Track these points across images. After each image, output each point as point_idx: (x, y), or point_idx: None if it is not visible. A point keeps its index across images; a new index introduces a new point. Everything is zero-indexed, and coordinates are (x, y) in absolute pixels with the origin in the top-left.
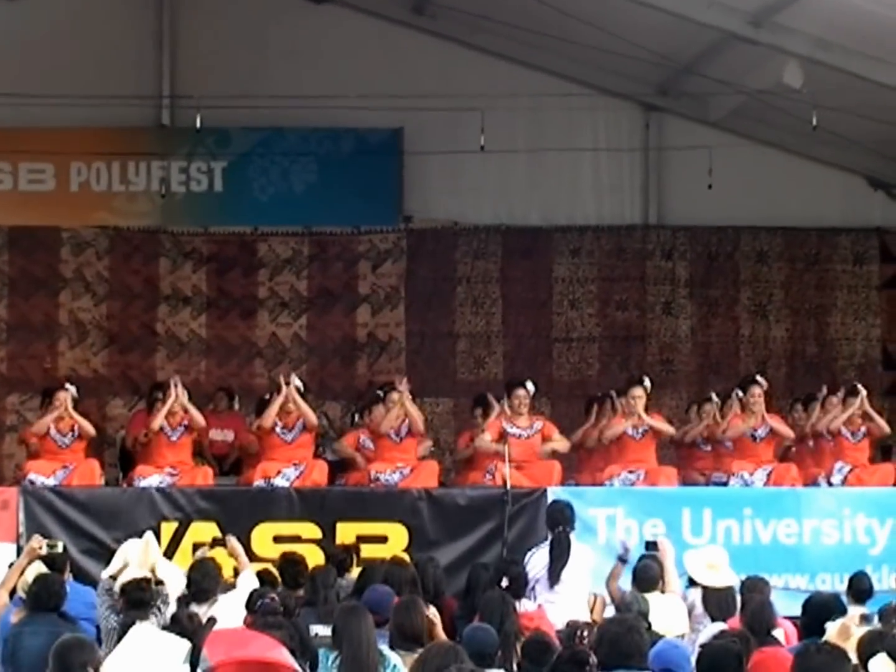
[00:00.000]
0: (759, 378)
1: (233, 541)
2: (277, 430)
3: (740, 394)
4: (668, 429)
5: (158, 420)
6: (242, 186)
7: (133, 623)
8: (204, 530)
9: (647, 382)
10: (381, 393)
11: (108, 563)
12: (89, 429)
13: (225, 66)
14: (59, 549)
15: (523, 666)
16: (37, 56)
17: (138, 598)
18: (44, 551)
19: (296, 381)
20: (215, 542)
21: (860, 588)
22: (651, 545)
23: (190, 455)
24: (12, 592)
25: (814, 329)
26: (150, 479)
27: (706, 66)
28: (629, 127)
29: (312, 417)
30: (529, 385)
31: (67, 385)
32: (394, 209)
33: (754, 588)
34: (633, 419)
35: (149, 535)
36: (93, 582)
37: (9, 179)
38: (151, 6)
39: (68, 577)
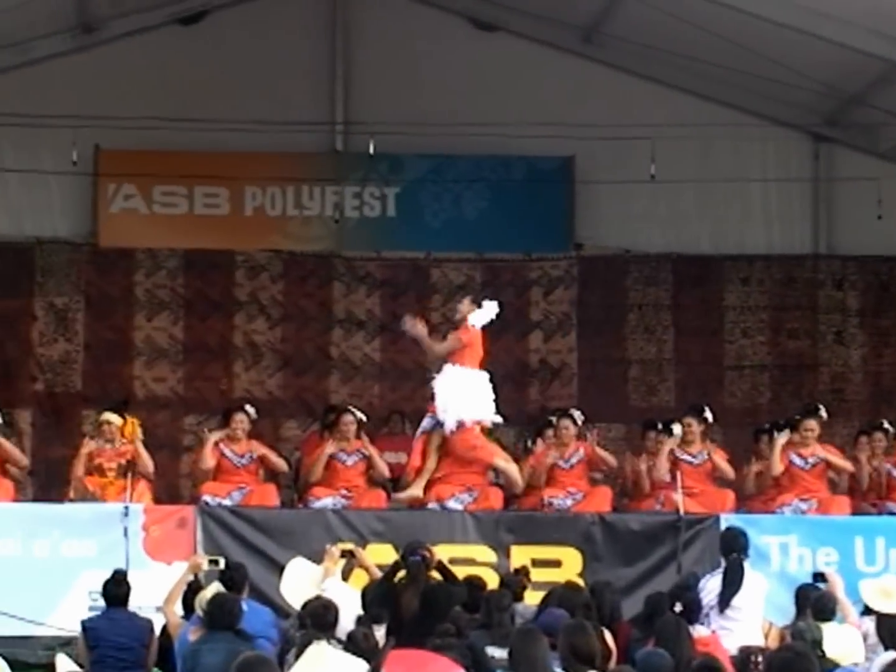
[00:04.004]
0: None
1: (361, 553)
2: None
3: None
4: (846, 465)
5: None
6: (415, 212)
7: (311, 642)
8: (379, 552)
9: (822, 412)
10: (552, 419)
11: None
12: (281, 465)
13: (397, 92)
14: (221, 565)
15: None
16: (212, 81)
17: (320, 618)
18: (205, 567)
19: None
20: (345, 554)
21: None
22: (819, 576)
23: (364, 478)
24: (190, 610)
25: None
26: (325, 500)
27: (875, 97)
28: (798, 157)
29: None
30: (707, 413)
31: (247, 406)
32: (565, 236)
33: None
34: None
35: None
36: (269, 601)
37: (184, 203)
38: (325, 33)
39: (245, 595)
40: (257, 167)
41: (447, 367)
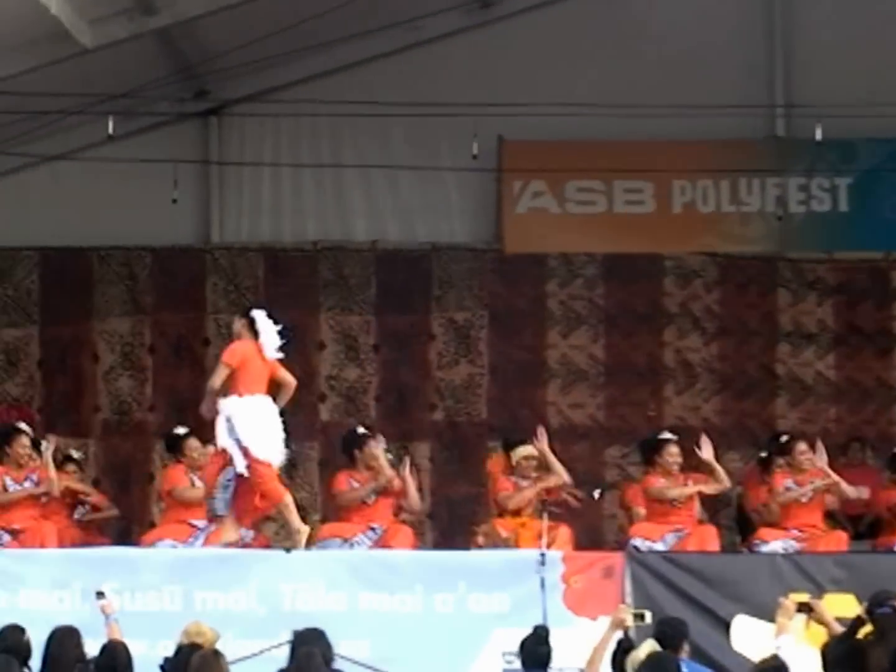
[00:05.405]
0: None
1: (820, 605)
2: None
3: None
4: None
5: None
6: (871, 205)
7: None
8: (840, 603)
9: None
10: None
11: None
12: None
13: (848, 68)
14: (647, 620)
15: None
16: (631, 59)
17: None
18: (630, 622)
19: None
20: (801, 608)
21: None
22: None
23: (821, 517)
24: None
25: None
26: (773, 543)
27: None
28: None
29: None
30: None
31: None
32: None
33: None
34: None
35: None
36: (711, 661)
37: (602, 200)
38: (760, 7)
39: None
40: (686, 157)
41: (220, 401)
